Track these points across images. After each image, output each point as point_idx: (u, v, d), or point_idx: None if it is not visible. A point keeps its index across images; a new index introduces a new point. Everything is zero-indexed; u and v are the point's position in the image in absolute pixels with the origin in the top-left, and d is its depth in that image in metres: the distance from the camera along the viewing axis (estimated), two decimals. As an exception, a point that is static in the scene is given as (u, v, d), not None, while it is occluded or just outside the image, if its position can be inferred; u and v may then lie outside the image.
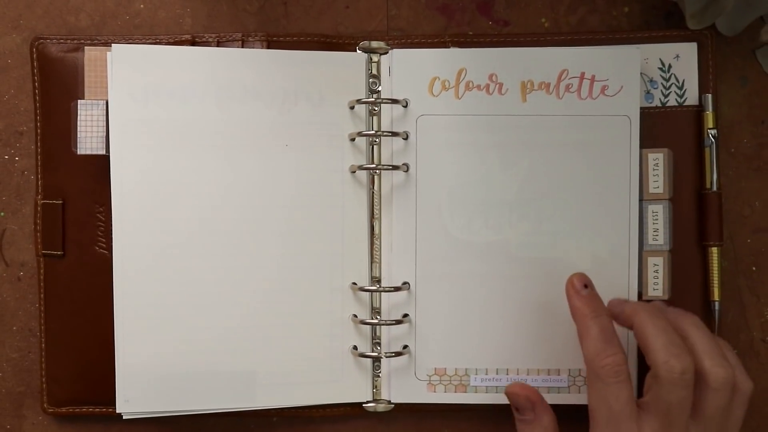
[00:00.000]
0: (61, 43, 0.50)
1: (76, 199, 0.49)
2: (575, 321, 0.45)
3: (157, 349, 0.48)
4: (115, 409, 0.48)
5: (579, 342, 0.44)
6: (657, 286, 0.50)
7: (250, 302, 0.49)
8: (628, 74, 0.49)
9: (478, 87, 0.49)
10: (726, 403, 0.42)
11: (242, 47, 0.50)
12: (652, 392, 0.43)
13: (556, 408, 0.51)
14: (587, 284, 0.45)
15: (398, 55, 0.50)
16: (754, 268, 0.52)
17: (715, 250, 0.50)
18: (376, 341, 0.50)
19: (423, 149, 0.50)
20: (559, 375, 0.50)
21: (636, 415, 0.42)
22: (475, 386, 0.50)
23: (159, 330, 0.48)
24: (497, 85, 0.49)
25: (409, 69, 0.50)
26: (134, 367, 0.48)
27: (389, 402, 0.50)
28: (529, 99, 0.49)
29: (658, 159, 0.49)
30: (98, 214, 0.49)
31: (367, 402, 0.50)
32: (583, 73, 0.49)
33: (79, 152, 0.48)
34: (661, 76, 0.50)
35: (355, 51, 0.50)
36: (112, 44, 0.48)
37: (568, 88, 0.49)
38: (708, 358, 0.42)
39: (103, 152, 0.48)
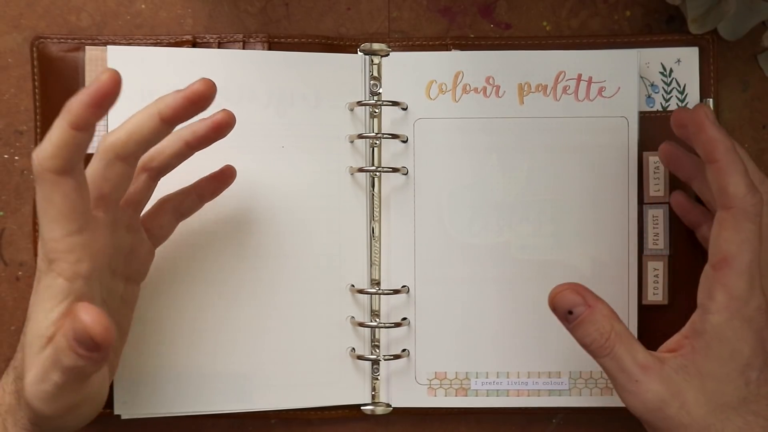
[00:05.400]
0: (62, 42, 0.50)
1: (75, 199, 0.49)
2: (713, 154, 0.39)
3: (154, 351, 0.48)
4: (113, 410, 0.48)
5: (717, 178, 0.39)
6: (657, 290, 0.49)
7: (248, 303, 0.49)
8: (626, 75, 0.49)
9: (476, 90, 0.49)
10: None
11: (243, 48, 0.50)
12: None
13: (557, 411, 0.51)
14: (716, 121, 0.39)
15: (395, 58, 0.50)
16: (754, 273, 0.52)
17: (715, 254, 0.50)
18: (374, 344, 0.50)
19: (421, 152, 0.49)
20: (560, 378, 0.49)
21: None
22: (476, 390, 0.50)
23: (156, 332, 0.48)
24: (494, 88, 0.49)
25: (405, 72, 0.50)
26: (132, 368, 0.48)
27: (388, 405, 0.50)
28: (527, 101, 0.49)
29: (658, 162, 0.49)
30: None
31: (365, 404, 0.50)
32: (580, 75, 0.49)
33: (80, 152, 0.48)
34: (662, 80, 0.50)
35: (356, 53, 0.50)
36: (108, 46, 0.48)
37: (565, 89, 0.49)
38: None
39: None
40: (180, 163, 0.43)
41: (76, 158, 0.37)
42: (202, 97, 0.39)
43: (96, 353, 0.35)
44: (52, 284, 0.37)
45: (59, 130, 0.36)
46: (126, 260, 0.43)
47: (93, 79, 0.36)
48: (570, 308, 0.41)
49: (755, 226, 0.38)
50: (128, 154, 0.39)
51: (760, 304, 0.38)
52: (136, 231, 0.44)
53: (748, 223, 0.38)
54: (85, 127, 0.36)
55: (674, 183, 0.50)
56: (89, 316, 0.34)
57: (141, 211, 0.44)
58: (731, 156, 0.38)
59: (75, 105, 0.36)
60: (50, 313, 0.37)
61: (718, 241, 0.39)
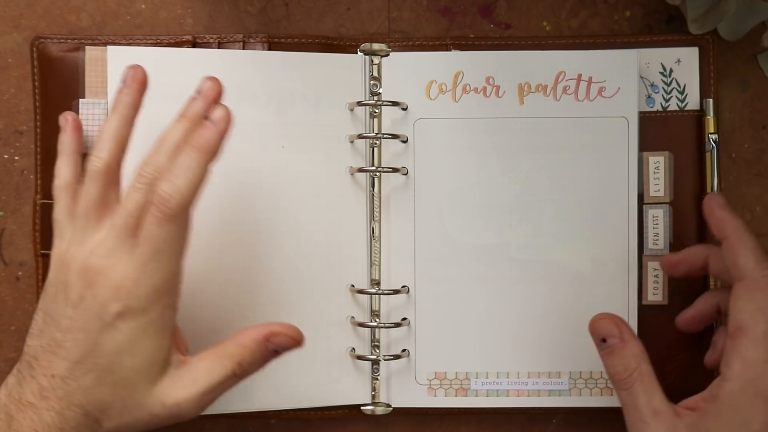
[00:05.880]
0: (62, 42, 0.50)
1: (75, 199, 0.49)
2: (724, 232, 0.42)
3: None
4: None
5: (729, 254, 0.41)
6: (657, 290, 0.49)
7: (247, 303, 0.49)
8: (626, 76, 0.49)
9: (476, 90, 0.49)
10: None
11: (243, 48, 0.50)
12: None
13: (557, 411, 0.51)
14: (726, 204, 0.43)
15: (395, 58, 0.50)
16: (754, 274, 0.52)
17: (715, 254, 0.50)
18: (374, 344, 0.50)
19: (421, 152, 0.49)
20: (560, 378, 0.49)
21: None
22: (476, 390, 0.50)
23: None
24: (494, 88, 0.49)
25: (405, 72, 0.50)
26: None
27: (387, 405, 0.50)
28: (527, 101, 0.49)
29: (658, 162, 0.49)
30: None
31: (365, 405, 0.50)
32: (580, 75, 0.49)
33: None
34: (662, 80, 0.50)
35: (356, 53, 0.50)
36: (108, 46, 0.48)
37: (565, 89, 0.49)
38: None
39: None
40: None
41: None
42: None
43: (284, 354, 0.41)
44: (160, 318, 0.39)
45: (199, 169, 0.39)
46: None
47: (217, 117, 0.39)
48: (605, 337, 0.43)
49: None
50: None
51: None
52: None
53: (760, 293, 0.39)
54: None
55: (676, 185, 0.50)
56: (290, 329, 0.41)
57: None
58: (740, 232, 0.41)
59: (214, 146, 0.39)
60: (162, 341, 0.40)
61: (733, 312, 0.40)
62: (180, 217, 0.39)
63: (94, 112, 0.48)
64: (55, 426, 0.39)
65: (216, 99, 0.41)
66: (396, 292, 0.49)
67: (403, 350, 0.50)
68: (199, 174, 0.39)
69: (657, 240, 0.49)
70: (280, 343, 0.41)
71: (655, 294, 0.49)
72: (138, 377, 0.39)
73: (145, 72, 0.43)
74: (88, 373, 0.39)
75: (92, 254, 0.39)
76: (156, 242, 0.39)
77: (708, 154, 0.50)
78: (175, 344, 0.41)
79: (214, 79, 0.42)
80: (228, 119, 0.40)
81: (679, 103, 0.50)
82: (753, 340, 0.39)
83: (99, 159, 0.41)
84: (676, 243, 0.50)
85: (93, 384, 0.39)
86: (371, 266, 0.50)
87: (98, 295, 0.39)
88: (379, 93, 0.50)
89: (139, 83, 0.43)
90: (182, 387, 0.40)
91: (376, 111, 0.50)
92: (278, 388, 0.49)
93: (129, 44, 0.50)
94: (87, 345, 0.39)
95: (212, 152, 0.39)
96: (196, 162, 0.39)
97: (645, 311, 0.50)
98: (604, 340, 0.43)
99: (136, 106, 0.43)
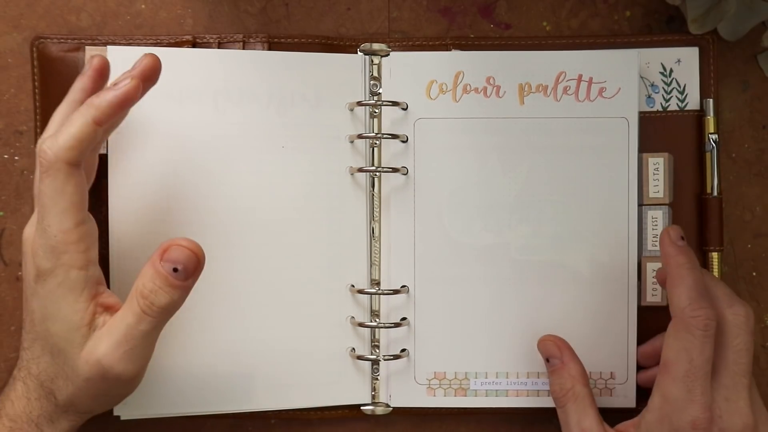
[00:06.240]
0: (62, 42, 0.50)
1: (75, 199, 0.49)
2: (668, 269, 0.43)
3: (154, 352, 0.48)
4: (112, 411, 0.48)
5: (668, 291, 0.42)
6: (656, 291, 0.50)
7: (247, 304, 0.49)
8: (626, 76, 0.49)
9: (476, 90, 0.49)
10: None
11: (243, 48, 0.50)
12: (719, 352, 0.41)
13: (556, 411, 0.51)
14: (683, 237, 0.43)
15: (396, 58, 0.50)
16: (754, 273, 0.52)
17: (715, 255, 0.50)
18: (374, 344, 0.50)
19: (421, 152, 0.49)
20: (559, 379, 0.49)
21: (710, 377, 0.40)
22: (475, 390, 0.50)
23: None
24: (495, 88, 0.49)
25: (406, 72, 0.50)
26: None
27: (387, 405, 0.50)
28: (527, 101, 0.49)
29: (658, 163, 0.49)
30: (98, 215, 0.49)
31: (365, 404, 0.50)
32: (580, 75, 0.49)
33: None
34: (662, 80, 0.50)
35: (356, 53, 0.50)
36: (109, 46, 0.48)
37: (565, 90, 0.49)
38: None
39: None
40: None
41: (89, 151, 0.40)
42: (134, 97, 0.41)
43: (192, 278, 0.40)
44: (66, 279, 0.40)
45: (82, 123, 0.39)
46: None
47: (118, 80, 0.40)
48: (548, 357, 0.47)
49: (694, 338, 0.40)
50: (80, 161, 0.40)
51: (697, 419, 0.40)
52: None
53: (686, 333, 0.40)
54: (106, 124, 0.40)
55: (676, 185, 0.50)
56: (183, 240, 0.40)
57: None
58: (680, 270, 0.42)
59: (103, 103, 0.39)
60: (76, 304, 0.40)
61: (663, 348, 0.42)
62: (58, 171, 0.39)
63: (94, 112, 0.48)
64: (24, 396, 0.42)
65: (142, 75, 0.41)
66: (396, 292, 0.49)
67: (403, 350, 0.50)
68: (80, 127, 0.39)
69: (656, 241, 0.49)
70: (173, 258, 0.39)
71: (654, 295, 0.49)
72: (65, 344, 0.40)
73: (105, 62, 0.44)
74: (34, 343, 0.42)
75: (27, 227, 0.42)
76: (41, 198, 0.39)
77: (708, 155, 0.50)
78: (103, 307, 0.41)
79: (150, 56, 0.42)
80: (130, 88, 0.40)
81: (679, 103, 0.50)
82: (674, 377, 0.41)
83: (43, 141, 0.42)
84: (676, 243, 0.50)
85: (40, 353, 0.42)
86: (371, 266, 0.50)
87: (27, 264, 0.42)
88: (379, 93, 0.50)
89: (94, 71, 0.44)
90: (101, 342, 0.40)
91: (376, 111, 0.50)
92: (278, 388, 0.49)
93: (129, 44, 0.50)
94: (29, 314, 0.42)
95: (100, 110, 0.39)
96: (82, 117, 0.39)
97: (644, 312, 0.50)
98: (548, 360, 0.47)
99: (86, 92, 0.44)
